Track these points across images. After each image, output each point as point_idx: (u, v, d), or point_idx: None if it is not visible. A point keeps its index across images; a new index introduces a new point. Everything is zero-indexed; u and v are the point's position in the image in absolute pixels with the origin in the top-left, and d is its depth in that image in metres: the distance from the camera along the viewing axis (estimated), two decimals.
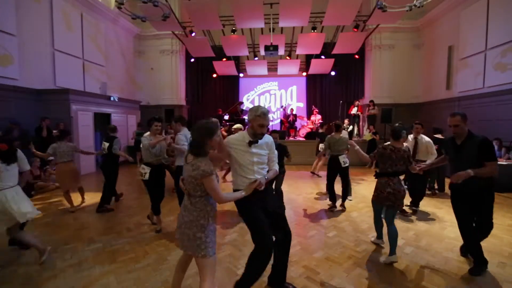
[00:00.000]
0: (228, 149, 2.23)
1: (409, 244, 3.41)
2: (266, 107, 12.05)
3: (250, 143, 2.19)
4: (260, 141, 2.23)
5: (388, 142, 3.16)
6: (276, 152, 2.41)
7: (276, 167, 2.38)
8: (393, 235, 2.95)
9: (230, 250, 3.24)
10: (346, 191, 4.94)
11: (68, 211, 4.76)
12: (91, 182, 7.09)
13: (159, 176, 3.85)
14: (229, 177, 7.12)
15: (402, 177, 3.16)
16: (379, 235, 3.43)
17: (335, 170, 4.84)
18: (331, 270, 2.81)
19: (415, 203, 4.68)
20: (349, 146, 4.57)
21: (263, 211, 2.21)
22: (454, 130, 2.68)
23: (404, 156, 3.03)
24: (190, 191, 1.91)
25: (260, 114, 2.14)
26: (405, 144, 4.41)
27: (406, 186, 3.07)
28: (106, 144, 4.74)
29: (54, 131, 6.89)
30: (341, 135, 4.89)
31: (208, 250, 1.87)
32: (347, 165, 4.81)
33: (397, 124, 3.26)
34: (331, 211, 4.76)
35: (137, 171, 3.82)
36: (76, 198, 5.12)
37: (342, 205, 4.89)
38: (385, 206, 3.07)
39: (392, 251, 2.94)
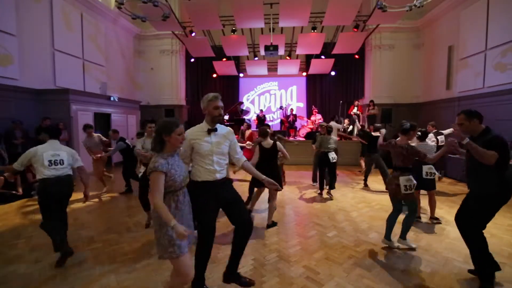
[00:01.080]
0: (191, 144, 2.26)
1: None
2: (266, 107, 12.24)
3: (209, 131, 2.27)
4: (218, 132, 2.31)
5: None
6: (236, 141, 2.49)
7: (243, 158, 2.48)
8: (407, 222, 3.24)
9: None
10: (332, 183, 5.66)
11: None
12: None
13: None
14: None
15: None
16: (388, 235, 3.31)
17: (324, 163, 5.60)
18: (331, 270, 2.81)
19: None
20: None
21: (219, 203, 2.32)
22: (461, 129, 2.67)
23: (402, 152, 3.11)
24: None
25: (212, 98, 2.27)
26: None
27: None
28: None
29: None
30: (331, 136, 5.70)
31: (162, 253, 1.84)
32: (334, 161, 5.54)
33: (403, 121, 3.34)
34: (320, 196, 5.67)
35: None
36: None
37: (329, 193, 5.58)
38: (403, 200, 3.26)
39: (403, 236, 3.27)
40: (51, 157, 3.15)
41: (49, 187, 3.03)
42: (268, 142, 4.01)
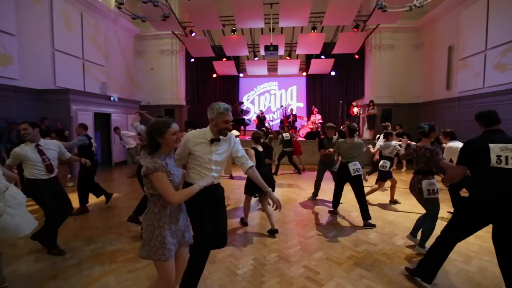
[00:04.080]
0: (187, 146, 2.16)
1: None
2: (266, 107, 12.21)
3: (213, 141, 2.17)
4: (221, 140, 2.21)
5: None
6: (238, 141, 2.40)
7: (249, 163, 2.36)
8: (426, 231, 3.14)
9: (231, 250, 3.24)
10: (365, 211, 3.99)
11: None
12: None
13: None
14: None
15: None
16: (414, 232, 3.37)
17: (344, 180, 4.23)
18: (331, 270, 2.81)
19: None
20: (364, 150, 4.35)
21: (211, 207, 2.24)
22: None
23: (425, 154, 3.05)
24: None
25: (223, 110, 2.14)
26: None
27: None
28: None
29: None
30: (356, 139, 4.26)
31: (150, 254, 1.75)
32: (358, 173, 4.02)
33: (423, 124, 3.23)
34: (333, 214, 4.57)
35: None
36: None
37: (367, 223, 3.96)
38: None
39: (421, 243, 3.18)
40: None
41: None
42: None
